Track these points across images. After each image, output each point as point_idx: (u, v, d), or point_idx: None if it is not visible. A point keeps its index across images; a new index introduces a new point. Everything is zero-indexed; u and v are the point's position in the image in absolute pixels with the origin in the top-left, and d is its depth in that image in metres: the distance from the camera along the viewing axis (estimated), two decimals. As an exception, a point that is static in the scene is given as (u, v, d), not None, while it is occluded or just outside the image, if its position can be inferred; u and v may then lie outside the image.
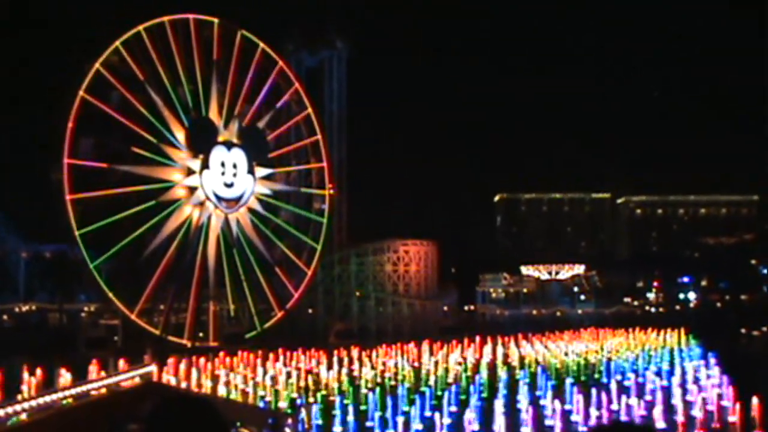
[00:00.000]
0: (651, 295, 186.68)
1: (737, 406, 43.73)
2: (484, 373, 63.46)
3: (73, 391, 45.04)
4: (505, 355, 79.28)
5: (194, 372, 64.91)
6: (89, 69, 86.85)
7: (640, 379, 60.32)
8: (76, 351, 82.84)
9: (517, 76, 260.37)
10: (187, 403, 5.06)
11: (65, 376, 52.18)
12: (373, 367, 70.03)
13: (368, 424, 45.05)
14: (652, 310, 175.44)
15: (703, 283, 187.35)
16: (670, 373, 65.30)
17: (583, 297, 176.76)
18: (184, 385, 61.78)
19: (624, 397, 50.47)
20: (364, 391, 53.85)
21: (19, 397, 45.25)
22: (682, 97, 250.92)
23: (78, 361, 60.31)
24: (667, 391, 53.42)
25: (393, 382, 60.70)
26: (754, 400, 42.41)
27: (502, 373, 62.35)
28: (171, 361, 66.10)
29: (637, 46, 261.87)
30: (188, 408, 4.97)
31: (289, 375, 63.47)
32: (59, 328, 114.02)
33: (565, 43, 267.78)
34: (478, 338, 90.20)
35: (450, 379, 63.06)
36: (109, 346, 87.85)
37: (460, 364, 71.75)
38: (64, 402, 42.84)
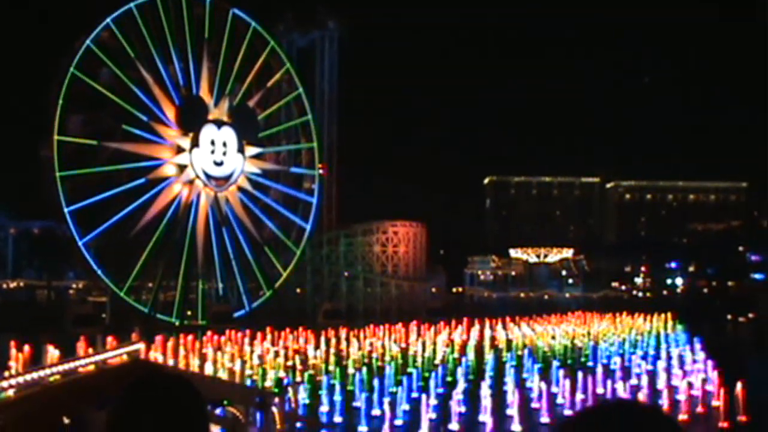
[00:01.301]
0: (638, 280, 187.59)
1: (722, 391, 43.98)
2: (471, 355, 63.67)
3: (60, 368, 45.05)
4: (492, 338, 79.46)
5: (182, 350, 64.98)
6: (80, 46, 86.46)
7: (626, 363, 60.68)
8: (64, 328, 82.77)
9: (509, 59, 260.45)
10: (162, 380, 5.08)
11: (52, 353, 52.20)
12: (360, 348, 70.16)
13: (355, 404, 45.17)
14: (640, 294, 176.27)
15: (691, 269, 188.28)
16: (656, 357, 65.60)
17: (571, 281, 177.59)
18: (171, 363, 61.83)
19: (610, 381, 50.78)
20: (351, 371, 53.95)
21: (6, 373, 45.25)
22: (673, 83, 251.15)
23: (65, 338, 60.33)
24: (652, 376, 53.67)
25: (380, 363, 60.85)
26: (739, 386, 42.68)
27: (488, 355, 62.57)
28: (159, 339, 66.14)
29: (628, 32, 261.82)
30: (162, 384, 5.00)
31: (276, 354, 63.56)
32: (47, 305, 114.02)
33: (556, 28, 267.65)
34: (465, 320, 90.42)
35: (437, 361, 63.22)
36: (97, 324, 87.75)
37: (447, 345, 71.92)
38: (51, 379, 42.87)
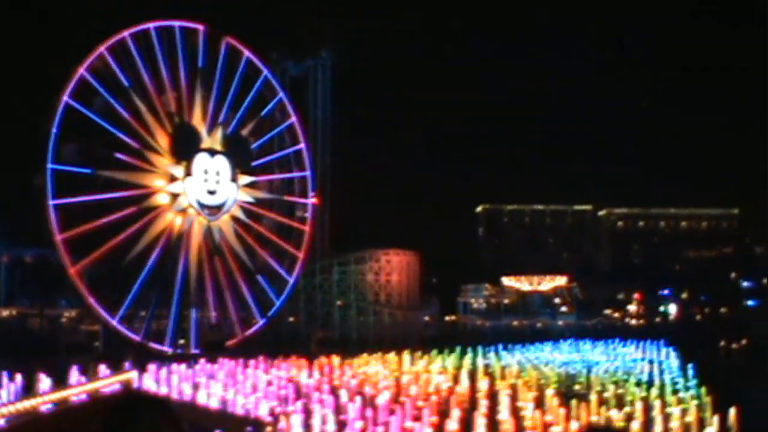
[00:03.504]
0: (632, 307, 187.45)
1: (716, 417, 44.02)
2: (464, 383, 63.63)
3: (53, 397, 44.92)
4: (486, 366, 79.45)
5: (175, 379, 64.83)
6: (74, 74, 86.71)
7: (620, 391, 60.66)
8: (57, 356, 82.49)
9: (501, 86, 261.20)
10: (142, 402, 5.19)
11: (45, 382, 52.08)
12: (353, 376, 70.06)
13: (348, 432, 45.09)
14: (633, 321, 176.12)
15: (684, 295, 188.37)
16: (650, 384, 65.63)
17: (564, 308, 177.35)
18: (164, 391, 61.68)
19: (604, 409, 50.77)
20: (344, 400, 53.86)
21: (-1, 402, 45.12)
22: (664, 109, 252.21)
23: (58, 367, 60.17)
24: (646, 403, 53.68)
25: (373, 392, 60.75)
26: (732, 412, 42.75)
27: (482, 383, 62.51)
28: (152, 367, 65.99)
29: (620, 58, 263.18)
30: (143, 407, 5.10)
31: (269, 383, 63.46)
32: (40, 333, 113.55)
33: (547, 55, 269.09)
34: (459, 348, 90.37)
35: (430, 390, 63.13)
36: (90, 352, 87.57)
37: (441, 374, 71.85)
38: (44, 408, 42.74)
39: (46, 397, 44.76)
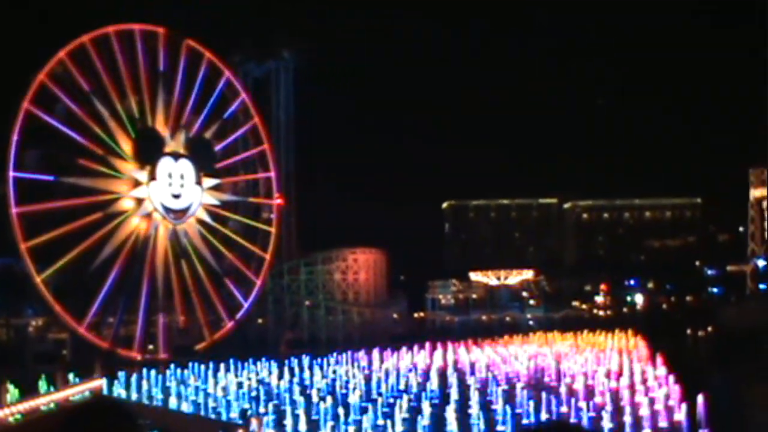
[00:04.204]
0: (599, 299, 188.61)
1: (684, 405, 44.46)
2: (434, 379, 63.85)
3: (21, 407, 44.61)
4: (456, 361, 79.73)
5: (145, 385, 64.57)
6: (34, 80, 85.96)
7: (590, 382, 61.11)
8: (24, 366, 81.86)
9: (464, 82, 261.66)
10: (106, 409, 5.27)
11: (13, 392, 51.68)
12: (324, 376, 70.08)
13: (320, 432, 45.14)
14: (600, 313, 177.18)
15: (650, 285, 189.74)
16: (619, 374, 66.14)
17: (532, 302, 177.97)
18: (135, 397, 61.42)
19: (573, 400, 51.14)
20: (315, 400, 53.89)
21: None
22: (626, 101, 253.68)
23: (26, 376, 59.76)
24: (615, 393, 54.14)
25: (344, 391, 60.82)
26: (700, 399, 43.20)
27: (452, 379, 62.75)
28: (121, 374, 65.67)
29: (581, 50, 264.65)
30: (99, 411, 5.18)
31: (240, 385, 63.37)
32: (6, 343, 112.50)
33: (509, 49, 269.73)
34: (428, 345, 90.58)
35: (401, 387, 63.31)
36: (58, 361, 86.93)
37: (411, 370, 72.04)
38: (11, 419, 42.44)
39: (14, 407, 44.43)
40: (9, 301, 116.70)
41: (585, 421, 45.85)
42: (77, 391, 53.41)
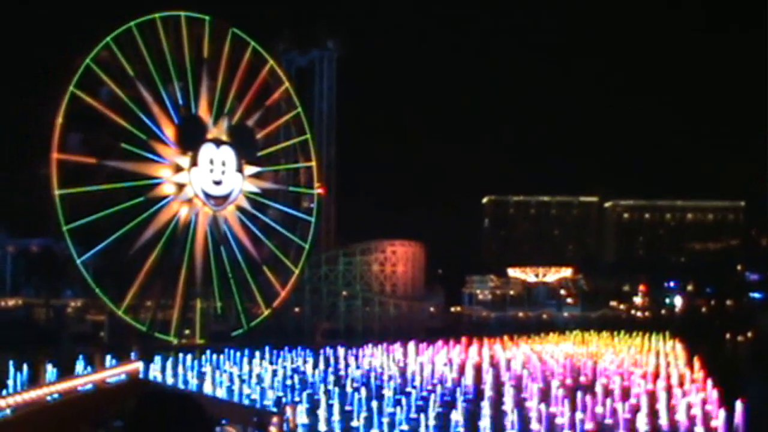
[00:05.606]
0: (637, 299, 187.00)
1: (721, 410, 43.90)
2: (469, 374, 63.57)
3: (59, 387, 44.90)
4: (491, 357, 79.38)
5: (180, 369, 64.87)
6: (79, 64, 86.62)
7: (626, 383, 60.54)
8: (62, 347, 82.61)
9: (509, 78, 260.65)
10: (170, 399, 5.09)
11: (51, 372, 52.11)
12: (358, 367, 70.04)
13: (353, 423, 45.07)
14: (638, 314, 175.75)
15: (689, 288, 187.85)
16: (655, 376, 65.50)
17: (569, 300, 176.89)
18: (170, 382, 61.73)
19: (609, 401, 50.67)
20: (349, 390, 53.82)
21: (4, 392, 45.15)
22: (672, 102, 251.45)
23: (64, 357, 60.24)
24: (652, 395, 53.57)
25: (378, 383, 60.73)
26: (738, 405, 42.63)
27: (487, 375, 62.41)
28: (157, 357, 66.01)
29: (629, 51, 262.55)
30: (171, 404, 5.01)
31: (275, 373, 63.47)
32: (45, 324, 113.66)
33: (555, 46, 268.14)
34: (464, 340, 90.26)
35: (435, 381, 63.10)
36: (95, 342, 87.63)
37: (446, 365, 71.79)
38: (50, 398, 42.73)
39: (52, 387, 44.74)
40: (49, 281, 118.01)
41: (620, 423, 45.46)
42: (114, 373, 53.70)
